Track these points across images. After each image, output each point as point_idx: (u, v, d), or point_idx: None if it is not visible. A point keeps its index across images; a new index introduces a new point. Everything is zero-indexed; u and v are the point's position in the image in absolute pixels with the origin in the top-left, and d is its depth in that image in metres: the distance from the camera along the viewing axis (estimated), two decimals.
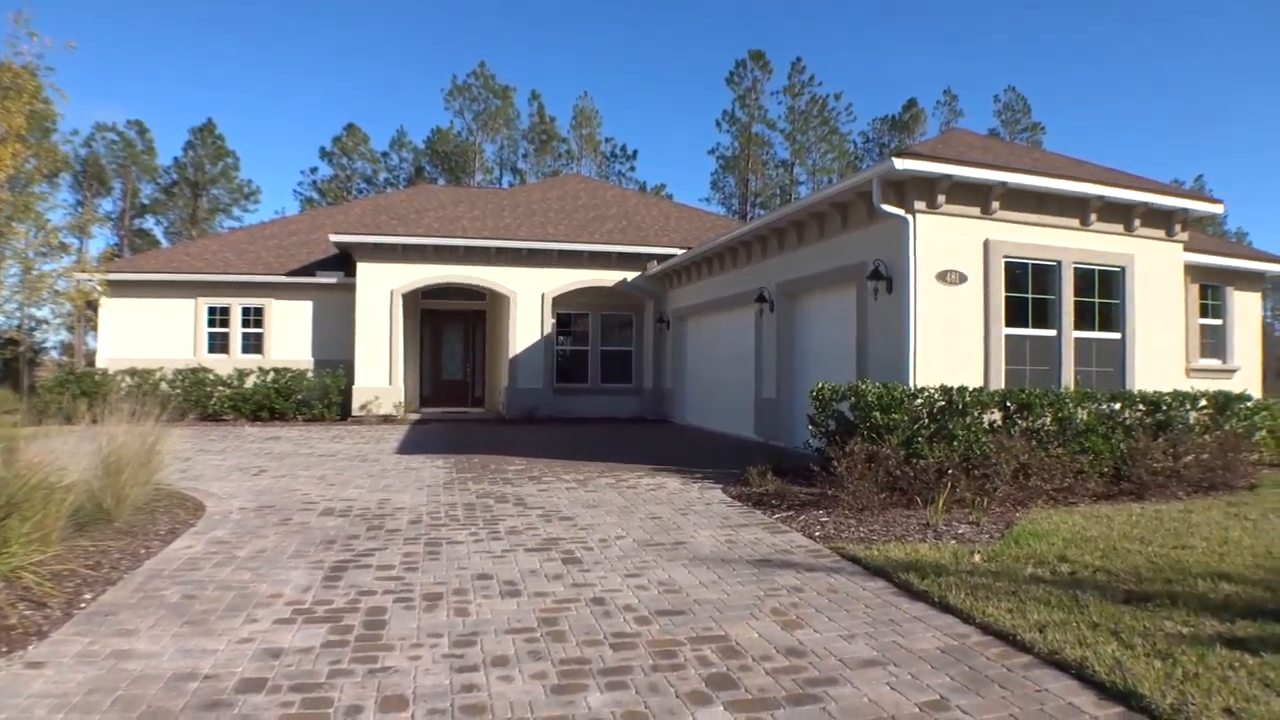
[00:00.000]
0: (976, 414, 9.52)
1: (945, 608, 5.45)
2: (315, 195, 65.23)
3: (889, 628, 5.11)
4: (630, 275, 23.44)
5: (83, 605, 5.30)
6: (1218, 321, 16.75)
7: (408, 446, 15.35)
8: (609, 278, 23.39)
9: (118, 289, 22.07)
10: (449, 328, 25.97)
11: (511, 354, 22.84)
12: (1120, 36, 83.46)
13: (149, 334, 23.00)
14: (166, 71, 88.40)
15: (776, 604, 5.56)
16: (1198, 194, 13.19)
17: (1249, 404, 11.53)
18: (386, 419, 21.60)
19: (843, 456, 8.77)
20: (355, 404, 21.86)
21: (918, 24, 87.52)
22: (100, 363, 22.78)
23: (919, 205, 11.21)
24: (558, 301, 23.37)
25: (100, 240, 59.42)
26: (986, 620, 5.12)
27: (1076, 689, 4.18)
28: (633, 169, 68.64)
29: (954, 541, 7.37)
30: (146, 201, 63.39)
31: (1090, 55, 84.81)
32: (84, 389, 19.67)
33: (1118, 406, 10.41)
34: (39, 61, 8.00)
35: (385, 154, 67.26)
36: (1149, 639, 4.76)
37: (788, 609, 5.45)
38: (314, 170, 66.73)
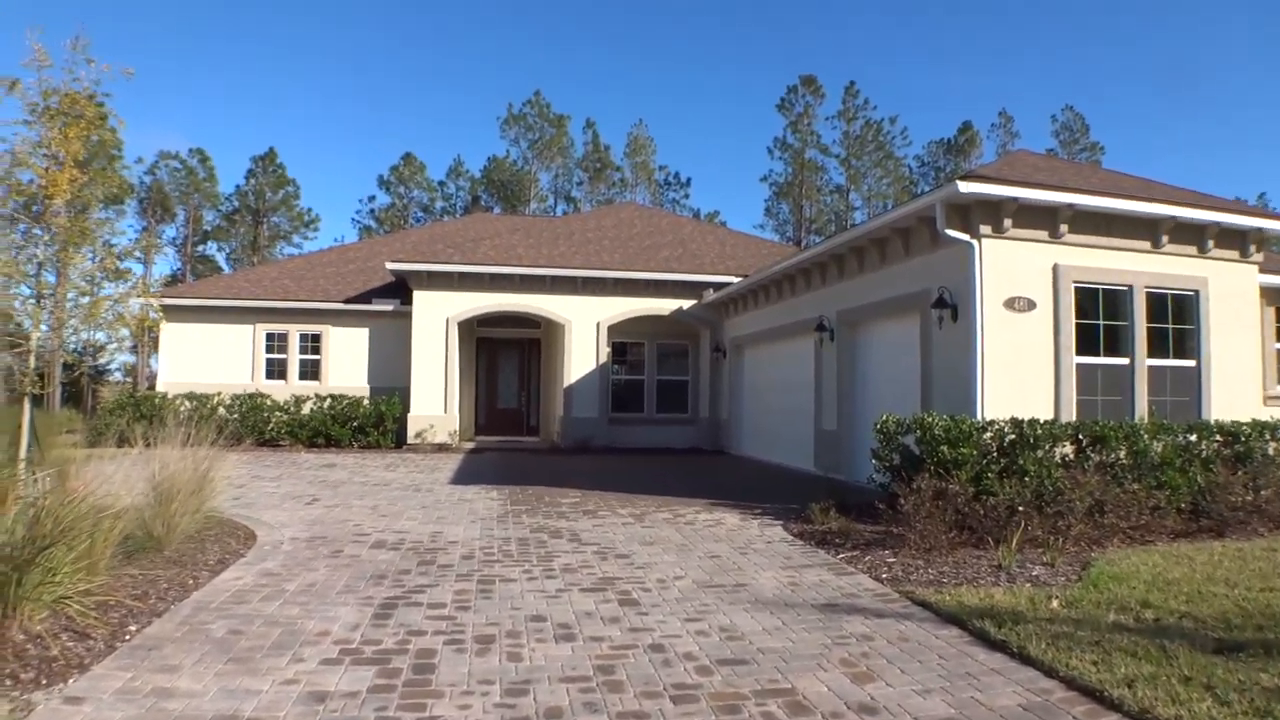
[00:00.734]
0: (1048, 448, 9.12)
1: (1025, 659, 5.10)
2: (373, 224, 66.20)
3: (966, 681, 4.79)
4: (686, 303, 23.24)
5: (127, 638, 5.18)
6: None
7: (461, 476, 15.23)
8: (664, 306, 23.21)
9: (179, 314, 22.42)
10: (504, 356, 25.97)
11: (566, 383, 22.72)
12: (1175, 51, 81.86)
13: (208, 359, 23.30)
14: (229, 101, 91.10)
15: (845, 653, 5.25)
16: (1271, 212, 12.66)
17: None
18: (441, 447, 21.56)
19: (910, 493, 8.42)
20: (410, 432, 21.86)
21: (970, 45, 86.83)
22: (160, 386, 23.11)
23: (984, 229, 10.87)
24: (613, 330, 23.23)
25: (163, 266, 60.83)
26: (1071, 674, 4.77)
27: None
28: (686, 196, 68.78)
29: (1028, 585, 7.00)
30: (209, 228, 64.81)
31: (1145, 71, 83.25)
32: (142, 412, 19.91)
33: (1194, 438, 9.93)
34: (96, 87, 8.01)
35: (442, 183, 68.20)
36: (1246, 694, 4.40)
37: (857, 659, 5.15)
38: (372, 199, 67.90)
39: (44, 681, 4.40)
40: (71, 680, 4.45)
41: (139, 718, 4.01)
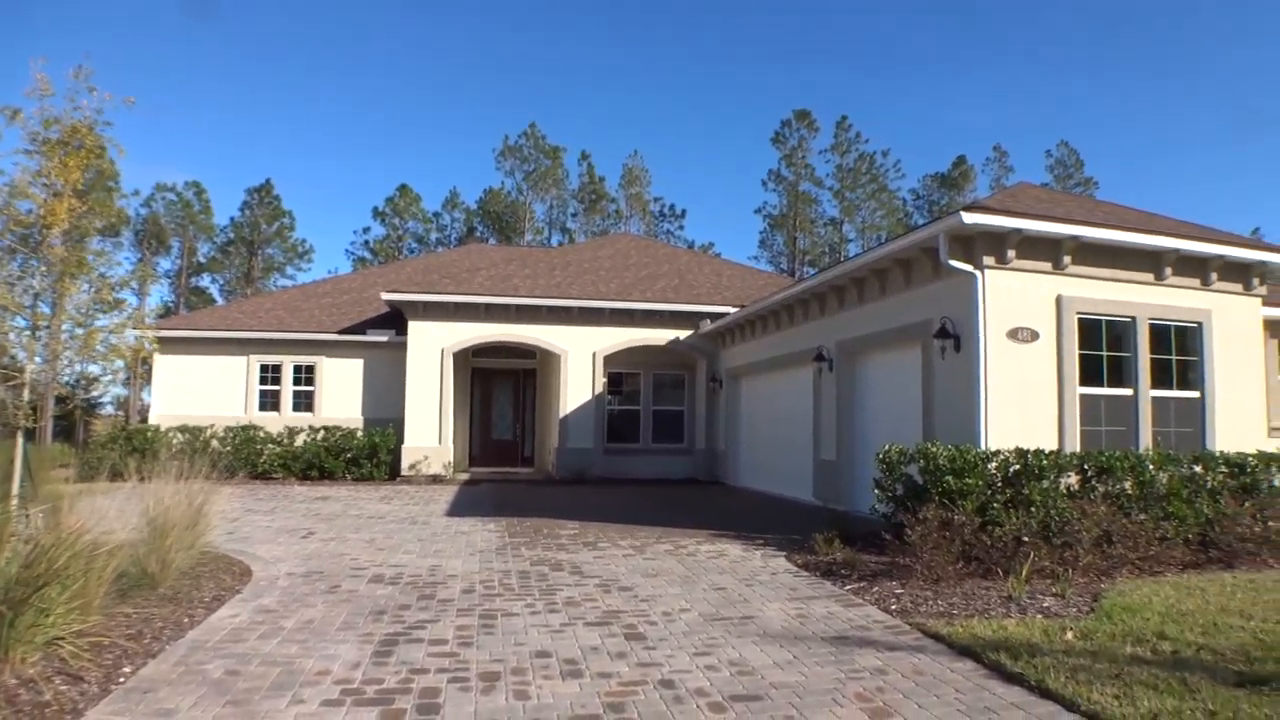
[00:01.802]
0: (1053, 478, 9.02)
1: (1045, 693, 4.99)
2: (367, 255, 66.16)
3: (986, 717, 4.67)
4: (682, 334, 23.17)
5: (121, 680, 5.03)
6: None
7: (458, 508, 15.06)
8: (660, 336, 23.14)
9: (171, 346, 22.26)
10: (499, 387, 25.86)
11: (562, 413, 22.59)
12: (1173, 83, 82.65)
13: (201, 391, 23.10)
14: (225, 134, 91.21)
15: (860, 688, 5.12)
16: (1275, 246, 12.66)
17: None
18: (435, 479, 21.38)
19: (916, 523, 8.31)
20: (404, 463, 21.68)
21: (964, 80, 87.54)
22: (153, 419, 22.88)
23: (988, 260, 10.82)
24: (609, 360, 23.14)
25: (157, 297, 60.67)
26: (1093, 709, 4.66)
27: None
28: (681, 228, 68.99)
29: (1040, 616, 6.88)
30: (203, 260, 64.76)
31: (1140, 105, 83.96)
32: (135, 445, 19.69)
33: (1199, 469, 9.86)
34: (98, 116, 7.94)
35: (437, 214, 68.28)
36: None
37: (873, 694, 5.02)
38: (366, 230, 67.85)
39: None
40: None
41: None
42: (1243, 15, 76.59)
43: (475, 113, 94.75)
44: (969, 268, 10.86)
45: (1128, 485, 9.36)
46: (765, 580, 8.56)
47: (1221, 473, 9.93)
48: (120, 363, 9.13)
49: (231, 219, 65.20)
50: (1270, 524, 9.86)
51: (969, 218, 10.48)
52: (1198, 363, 11.91)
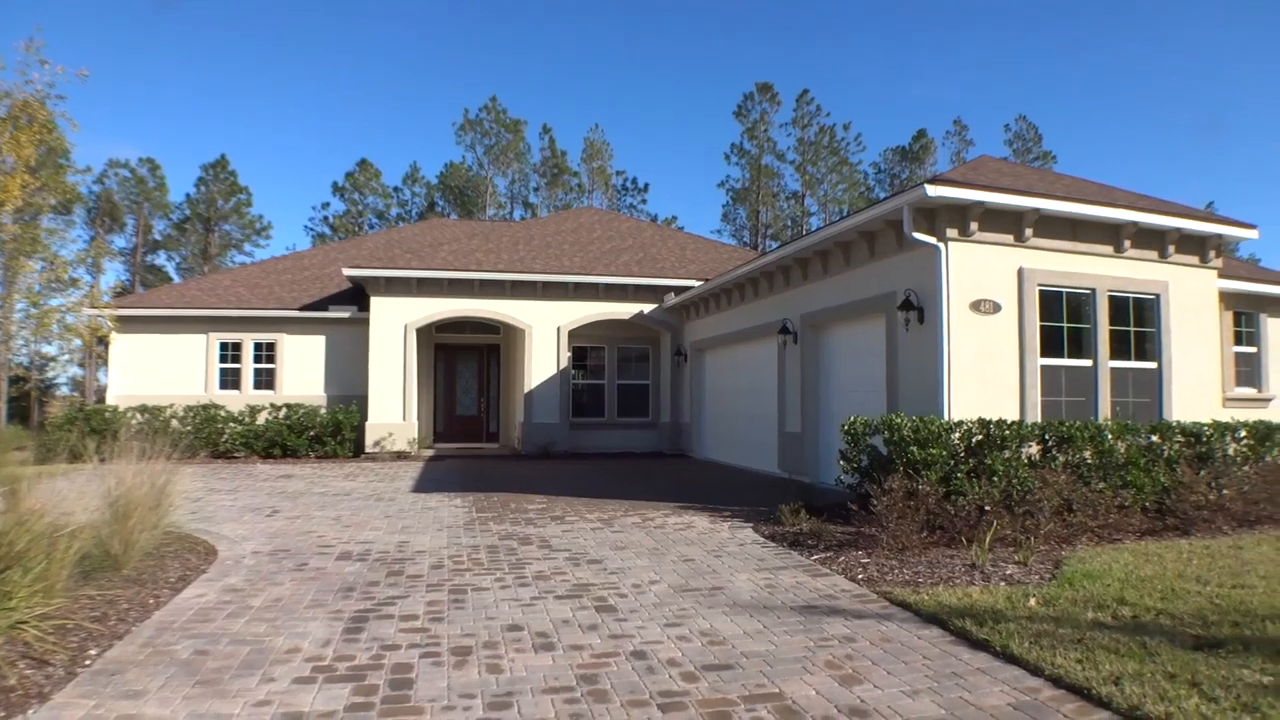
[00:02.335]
0: (1015, 448, 9.16)
1: (1009, 658, 5.08)
2: (327, 231, 65.38)
3: (953, 682, 4.74)
4: (647, 308, 23.18)
5: (87, 663, 4.96)
6: (1252, 349, 16.35)
7: (424, 485, 15.01)
8: (625, 310, 23.13)
9: (129, 325, 21.86)
10: (463, 362, 25.73)
11: (527, 388, 22.54)
12: (1130, 58, 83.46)
13: (160, 370, 22.74)
14: (179, 108, 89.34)
15: (829, 656, 5.19)
16: (1230, 219, 12.87)
17: None
18: (400, 456, 21.28)
19: (882, 494, 8.40)
20: (369, 440, 21.55)
21: (924, 54, 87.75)
22: (110, 399, 22.50)
23: (951, 233, 10.92)
24: (573, 335, 23.10)
25: (112, 275, 59.61)
26: (1057, 672, 4.76)
27: None
28: (644, 202, 68.68)
29: (1004, 583, 7.00)
30: (159, 238, 63.64)
31: (1097, 79, 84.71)
32: (93, 426, 19.34)
33: (1157, 439, 10.06)
34: (50, 90, 7.77)
35: (398, 189, 67.45)
36: (1231, 690, 4.42)
37: (842, 661, 5.08)
38: (326, 205, 66.97)
39: (2, 713, 4.19)
40: (31, 711, 4.24)
41: None
42: None
43: (435, 86, 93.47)
44: (932, 240, 10.94)
45: (1087, 455, 9.52)
46: (733, 551, 8.62)
47: (1178, 442, 10.13)
48: (78, 342, 8.99)
49: (187, 195, 64.02)
50: (1225, 492, 10.08)
51: (933, 190, 10.55)
52: (1155, 334, 12.10)
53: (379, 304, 21.88)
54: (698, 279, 22.41)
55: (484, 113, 63.65)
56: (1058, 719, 4.20)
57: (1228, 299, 15.27)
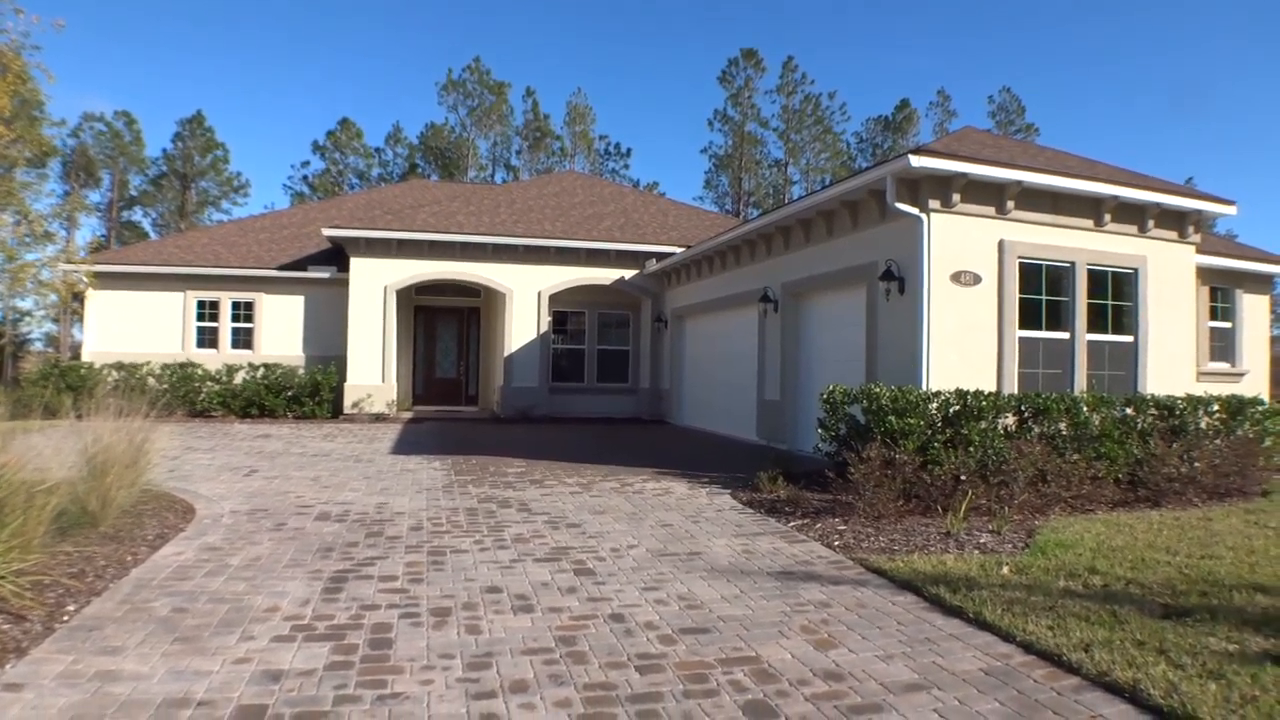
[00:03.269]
0: (992, 418, 9.24)
1: (982, 624, 5.17)
2: (306, 190, 64.61)
3: (926, 647, 4.82)
4: (628, 273, 23.14)
5: (65, 619, 4.96)
6: (1227, 324, 16.55)
7: (403, 446, 15.01)
8: (606, 276, 23.09)
9: (105, 281, 21.63)
10: (443, 325, 25.63)
11: (507, 352, 22.50)
12: (1113, 32, 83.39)
13: (136, 327, 22.54)
14: (156, 62, 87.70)
15: (805, 621, 5.25)
16: (1210, 195, 12.95)
17: (1262, 408, 11.29)
18: (379, 417, 21.24)
19: (859, 462, 8.47)
20: (347, 402, 21.49)
21: (909, 22, 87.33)
22: (86, 356, 22.31)
23: (933, 204, 10.94)
24: (554, 299, 23.06)
25: (88, 231, 58.87)
26: (1028, 639, 4.84)
27: (1133, 715, 3.92)
28: (626, 167, 68.25)
29: (978, 552, 7.10)
30: (135, 193, 62.76)
31: (1080, 52, 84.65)
32: (69, 383, 19.22)
33: (1131, 411, 10.16)
34: (25, 40, 7.63)
35: (379, 149, 66.67)
36: (1198, 658, 4.51)
37: (818, 626, 5.15)
38: (305, 164, 66.07)
39: None
40: (9, 666, 4.24)
41: (84, 703, 3.82)
42: None
43: (418, 44, 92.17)
44: (915, 211, 10.96)
45: (1063, 426, 9.61)
46: (711, 517, 8.68)
47: (1152, 415, 10.24)
48: (54, 298, 8.89)
49: (164, 151, 62.91)
50: (1196, 464, 10.21)
51: (916, 161, 10.56)
52: (1132, 308, 12.20)
53: (359, 265, 21.73)
54: (679, 245, 22.37)
55: (467, 73, 62.95)
56: (1028, 684, 4.27)
57: (1205, 274, 15.41)
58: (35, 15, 7.70)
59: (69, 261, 8.21)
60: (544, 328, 22.71)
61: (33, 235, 8.40)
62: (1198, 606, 5.47)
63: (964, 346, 10.98)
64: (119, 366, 20.79)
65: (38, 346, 45.76)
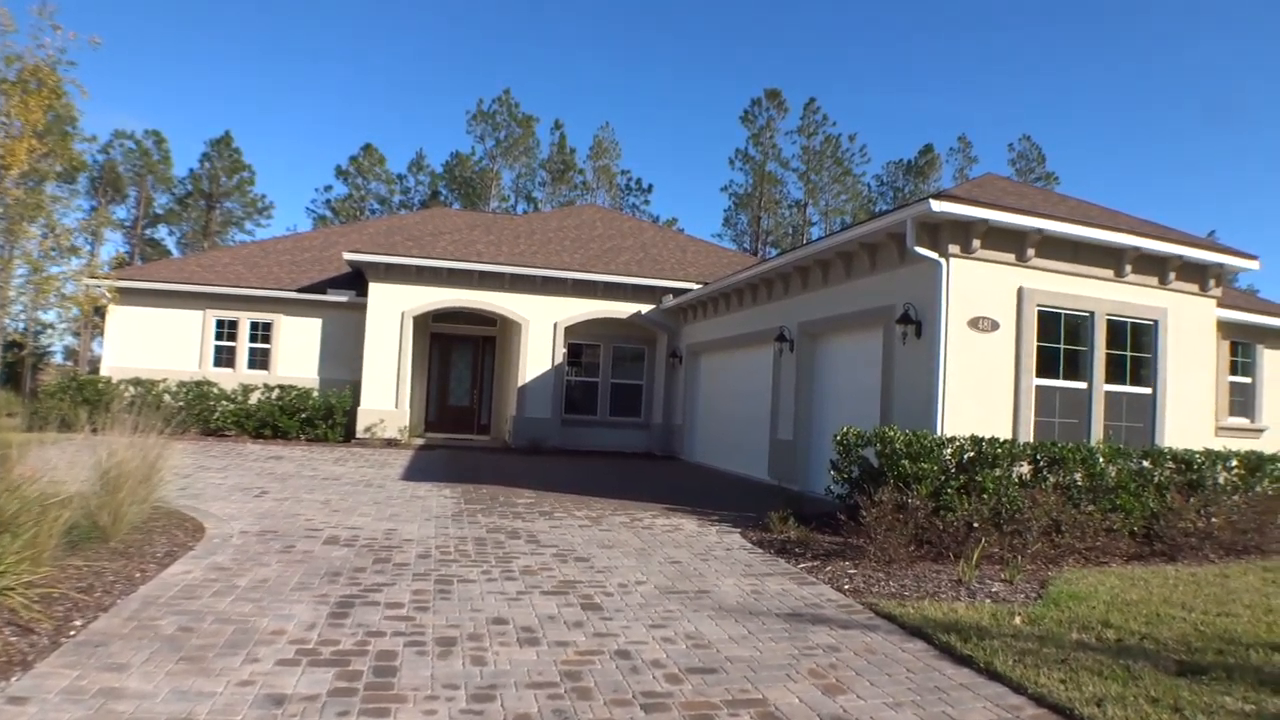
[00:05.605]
0: (1007, 466, 9.17)
1: (993, 675, 5.10)
2: (328, 213, 65.19)
3: (935, 696, 4.75)
4: (644, 308, 23.17)
5: (72, 633, 4.96)
6: (1247, 379, 16.42)
7: (414, 473, 15.00)
8: (622, 310, 23.11)
9: (126, 296, 21.78)
10: (458, 352, 25.69)
11: (520, 382, 22.52)
12: (1130, 80, 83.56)
13: (155, 344, 22.69)
14: (186, 82, 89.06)
15: (813, 664, 5.20)
16: (1232, 249, 12.91)
17: None
18: (391, 443, 21.24)
19: (871, 505, 8.42)
20: (360, 426, 21.51)
21: (932, 68, 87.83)
22: (104, 371, 22.45)
23: (953, 249, 10.93)
24: (570, 331, 23.09)
25: (112, 247, 59.39)
26: (1040, 691, 4.77)
27: None
28: (647, 202, 68.69)
29: (989, 601, 7.01)
30: (160, 211, 63.42)
31: (1102, 98, 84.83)
32: (86, 397, 19.30)
33: (1148, 464, 10.05)
34: (61, 55, 7.73)
35: (401, 176, 67.29)
36: (1214, 717, 4.46)
37: (826, 670, 5.09)
38: (328, 188, 66.82)
39: None
40: (15, 679, 4.24)
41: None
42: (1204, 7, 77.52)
43: (446, 74, 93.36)
44: (934, 255, 10.96)
45: (1078, 476, 9.52)
46: (720, 556, 8.63)
47: (1169, 468, 10.13)
48: (75, 311, 8.97)
49: (191, 170, 63.79)
50: (1214, 520, 10.08)
51: (937, 205, 10.57)
52: (1151, 359, 12.13)
53: (377, 290, 21.84)
54: (697, 282, 22.41)
55: (497, 105, 63.55)
56: None
57: (1225, 328, 15.33)
58: (73, 32, 7.79)
59: (92, 276, 8.29)
60: (558, 359, 22.73)
61: (59, 249, 8.46)
62: (1213, 664, 5.38)
63: (980, 393, 10.92)
64: (136, 382, 20.89)
65: (57, 360, 46.08)
